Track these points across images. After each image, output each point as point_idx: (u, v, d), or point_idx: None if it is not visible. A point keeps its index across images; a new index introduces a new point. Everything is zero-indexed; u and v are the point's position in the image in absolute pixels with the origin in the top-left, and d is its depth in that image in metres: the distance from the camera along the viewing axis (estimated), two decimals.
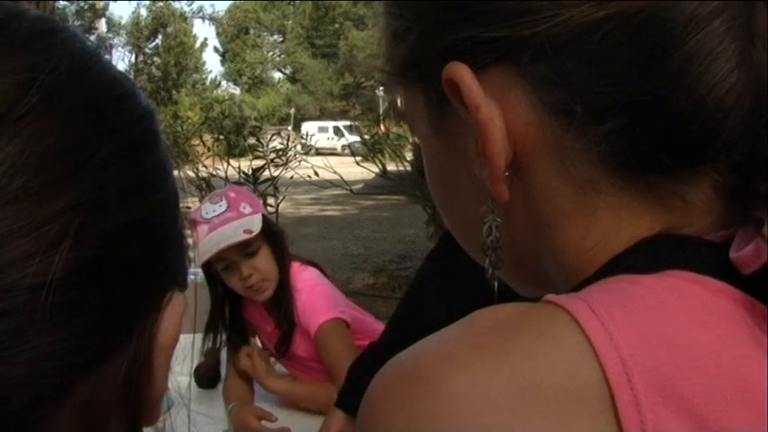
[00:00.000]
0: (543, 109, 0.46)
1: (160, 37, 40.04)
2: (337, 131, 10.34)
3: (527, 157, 0.48)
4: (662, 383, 0.37)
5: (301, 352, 2.22)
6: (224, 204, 2.06)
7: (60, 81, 0.38)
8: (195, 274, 3.98)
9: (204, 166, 8.29)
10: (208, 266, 2.11)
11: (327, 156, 10.32)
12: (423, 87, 0.52)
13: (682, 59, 0.43)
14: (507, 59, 0.47)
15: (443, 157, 0.54)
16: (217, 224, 2.04)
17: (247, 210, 2.07)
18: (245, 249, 2.05)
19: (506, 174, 0.48)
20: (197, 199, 7.78)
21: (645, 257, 0.44)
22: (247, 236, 2.01)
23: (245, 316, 2.28)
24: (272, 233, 2.11)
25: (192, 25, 42.34)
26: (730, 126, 0.44)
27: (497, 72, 0.47)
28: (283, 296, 2.12)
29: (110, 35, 38.40)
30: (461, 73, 0.47)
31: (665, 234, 0.46)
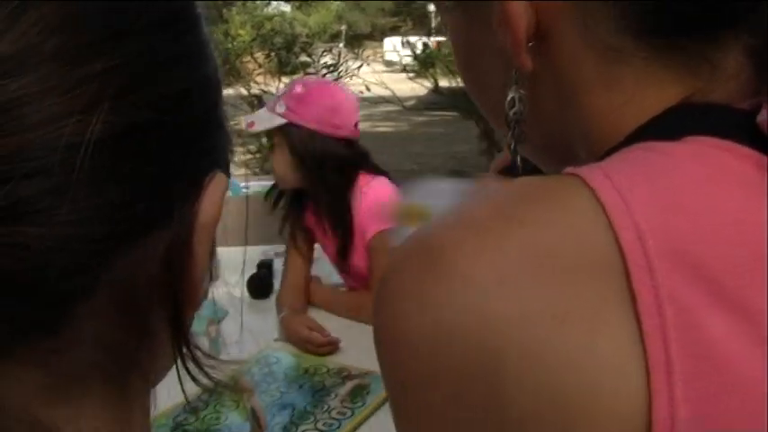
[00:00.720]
0: None
1: None
2: (426, 47, 10.06)
3: (550, 23, 0.46)
4: (679, 249, 0.35)
5: (361, 262, 2.23)
6: (284, 90, 2.20)
7: None
8: (247, 187, 4.02)
9: (255, 82, 8.29)
10: None
11: (391, 72, 10.19)
12: None
13: None
14: None
15: (468, 32, 0.53)
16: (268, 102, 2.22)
17: (280, 108, 2.12)
18: (271, 140, 2.21)
19: (530, 44, 0.47)
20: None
21: (669, 125, 0.42)
22: (246, 128, 2.14)
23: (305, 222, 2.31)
24: (294, 145, 2.11)
25: None
26: None
27: None
28: (327, 205, 2.14)
29: None
30: None
31: (690, 102, 0.43)
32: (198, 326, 2.15)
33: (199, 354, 0.45)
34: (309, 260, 2.34)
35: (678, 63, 0.44)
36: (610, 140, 0.46)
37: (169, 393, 0.48)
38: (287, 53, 9.32)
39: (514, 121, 0.50)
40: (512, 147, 0.52)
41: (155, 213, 0.37)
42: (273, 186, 2.30)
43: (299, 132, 2.09)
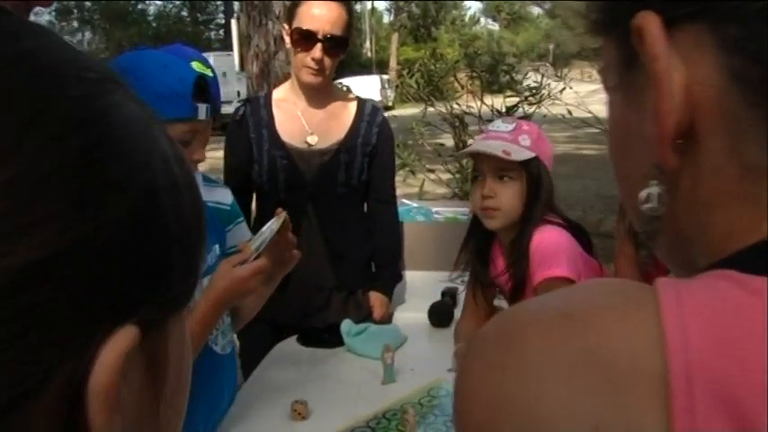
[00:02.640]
0: (729, 76, 0.44)
1: None
2: None
3: (702, 124, 0.46)
4: (726, 396, 0.36)
5: None
6: (510, 127, 2.11)
7: None
8: (439, 213, 4.06)
9: (457, 104, 8.35)
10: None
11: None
12: (618, 36, 0.51)
13: None
14: (700, 17, 0.45)
15: (622, 111, 0.53)
16: (488, 136, 2.13)
17: (524, 142, 2.07)
18: (498, 171, 2.07)
19: (679, 141, 0.46)
20: (450, 136, 7.80)
21: (759, 257, 0.42)
22: (502, 155, 2.01)
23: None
24: (537, 178, 2.07)
25: None
26: None
27: (689, 29, 0.45)
28: (520, 241, 2.07)
29: None
30: (648, 21, 0.46)
31: None
32: (374, 350, 2.21)
33: None
34: (491, 298, 2.30)
35: None
36: (723, 254, 0.45)
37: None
38: (489, 74, 9.33)
39: (648, 217, 0.50)
40: (642, 242, 0.52)
41: (28, 383, 0.33)
42: (474, 223, 2.22)
43: (542, 167, 2.08)
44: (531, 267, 2.04)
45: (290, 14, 2.49)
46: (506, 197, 2.07)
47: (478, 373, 0.43)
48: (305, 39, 2.43)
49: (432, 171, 8.27)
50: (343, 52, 2.52)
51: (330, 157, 2.57)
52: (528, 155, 2.05)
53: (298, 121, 2.60)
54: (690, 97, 0.45)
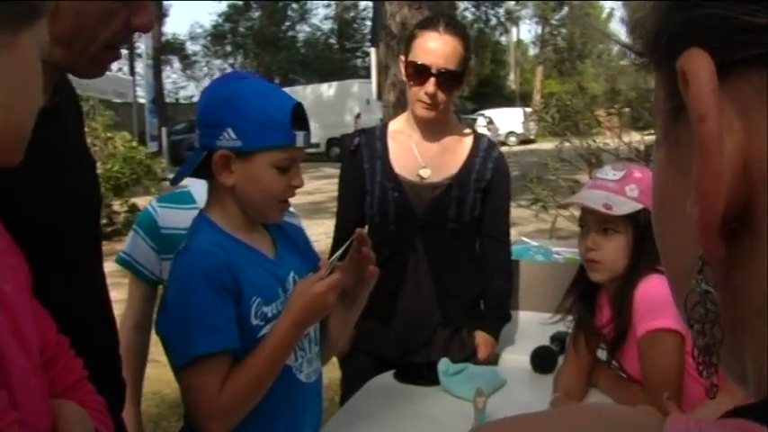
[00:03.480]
0: None
1: (566, 8, 40.23)
2: None
3: (761, 205, 0.35)
4: None
5: (632, 370, 2.04)
6: (619, 174, 2.02)
7: None
8: (559, 252, 3.95)
9: (594, 140, 8.16)
10: None
11: None
12: (667, 76, 0.39)
13: None
14: None
15: (665, 173, 0.41)
16: (594, 185, 2.05)
17: (631, 192, 1.96)
18: (602, 223, 1.99)
19: (733, 225, 0.35)
20: (585, 173, 7.59)
21: None
22: (602, 209, 1.92)
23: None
24: (644, 231, 1.94)
25: None
26: None
27: (754, 77, 0.34)
28: (624, 291, 1.96)
29: (517, 7, 39.59)
30: (697, 65, 0.34)
31: None
32: (470, 392, 2.14)
33: None
34: (594, 348, 2.20)
35: None
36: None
37: None
38: (630, 109, 9.08)
39: (696, 321, 0.38)
40: (694, 355, 0.40)
41: None
42: (582, 269, 2.10)
43: (648, 218, 1.93)
44: (635, 318, 1.94)
45: (407, 47, 2.49)
46: (609, 251, 1.98)
47: None
48: (419, 73, 2.42)
49: (564, 207, 8.10)
50: (459, 87, 2.49)
51: (442, 191, 2.54)
52: (633, 207, 1.93)
53: (411, 153, 2.59)
54: (747, 168, 0.34)
